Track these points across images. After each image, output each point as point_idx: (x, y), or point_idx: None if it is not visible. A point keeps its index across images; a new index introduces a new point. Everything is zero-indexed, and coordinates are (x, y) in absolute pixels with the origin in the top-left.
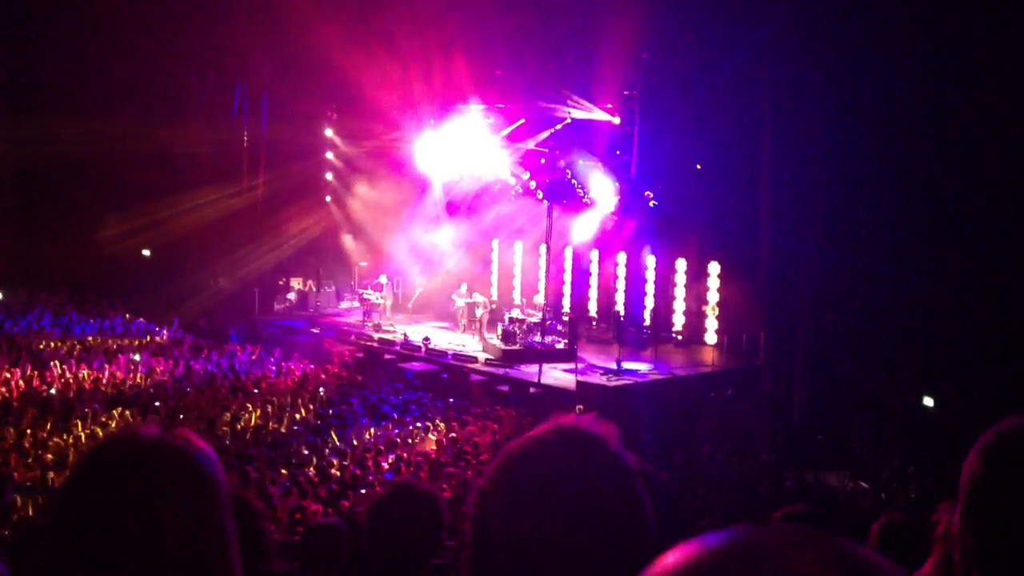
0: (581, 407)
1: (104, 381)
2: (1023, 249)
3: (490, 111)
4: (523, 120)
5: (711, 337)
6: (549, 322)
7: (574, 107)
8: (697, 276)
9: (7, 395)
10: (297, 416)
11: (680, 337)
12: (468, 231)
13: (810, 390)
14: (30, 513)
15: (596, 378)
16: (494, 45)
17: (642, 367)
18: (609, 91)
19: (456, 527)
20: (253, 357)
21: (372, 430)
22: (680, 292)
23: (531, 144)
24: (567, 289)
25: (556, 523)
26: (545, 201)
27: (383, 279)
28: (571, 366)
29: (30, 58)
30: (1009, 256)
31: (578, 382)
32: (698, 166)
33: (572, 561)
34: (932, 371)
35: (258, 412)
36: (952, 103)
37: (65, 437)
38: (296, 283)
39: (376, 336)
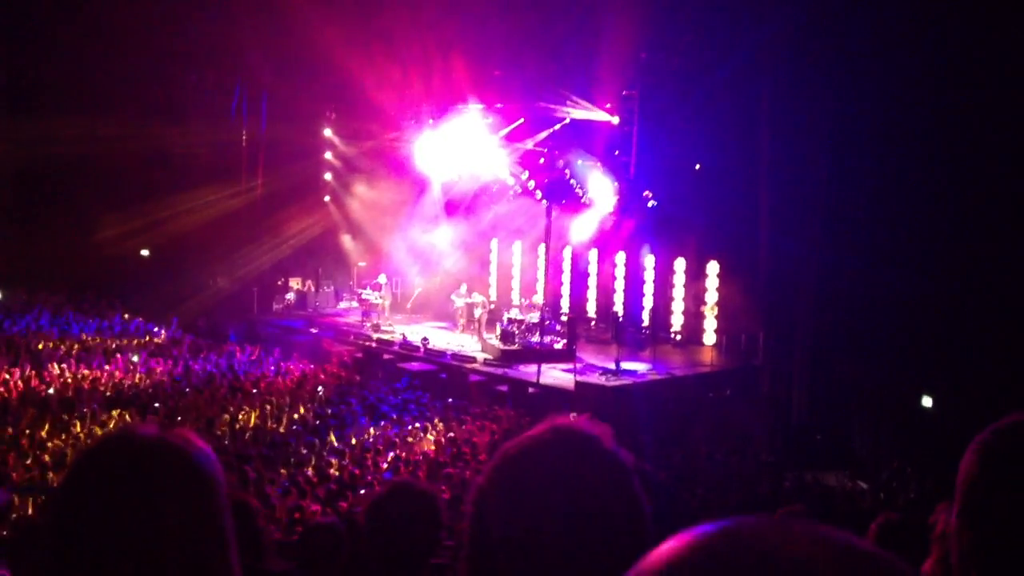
0: (575, 416)
1: (103, 381)
2: (1023, 249)
3: (489, 111)
4: (522, 120)
5: (710, 337)
6: (548, 322)
7: (573, 107)
8: (696, 276)
9: (6, 395)
10: (296, 416)
11: (679, 337)
12: (467, 231)
13: (809, 390)
14: (30, 513)
15: (595, 378)
16: (493, 45)
17: (641, 367)
18: (608, 91)
19: (455, 527)
20: (252, 357)
21: (371, 430)
22: (679, 292)
23: (530, 144)
24: (566, 289)
25: (554, 522)
26: (544, 201)
27: (382, 279)
28: (570, 366)
29: (30, 58)
30: (1009, 256)
31: (577, 382)
32: (697, 166)
33: (570, 560)
34: (931, 371)
35: (257, 412)
36: (951, 103)
37: (64, 437)
38: (295, 283)
39: (375, 336)
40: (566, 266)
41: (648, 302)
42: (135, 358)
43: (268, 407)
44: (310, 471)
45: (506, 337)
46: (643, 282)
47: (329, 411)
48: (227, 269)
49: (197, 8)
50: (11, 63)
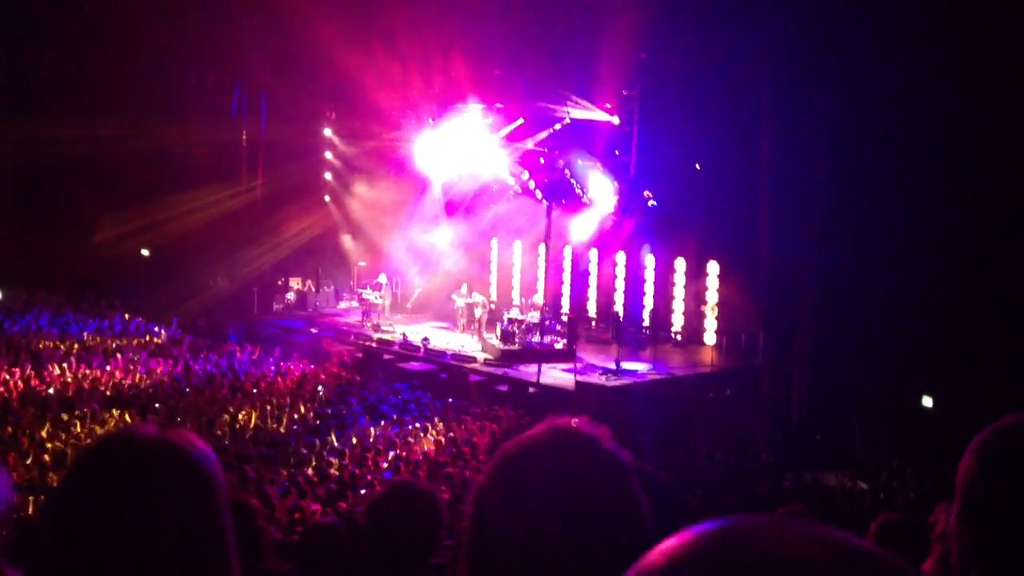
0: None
1: (103, 381)
2: (1023, 249)
3: (489, 111)
4: (522, 120)
5: (710, 337)
6: (548, 322)
7: (573, 107)
8: (696, 276)
9: (6, 395)
10: (296, 416)
11: (679, 337)
12: (467, 231)
13: (809, 390)
14: (30, 512)
15: (595, 378)
16: (493, 45)
17: (641, 367)
18: (608, 91)
19: (454, 527)
20: (253, 357)
21: (371, 430)
22: (679, 292)
23: (530, 144)
24: (566, 289)
25: (553, 521)
26: (544, 201)
27: (383, 279)
28: (570, 366)
29: (30, 58)
30: (1008, 256)
31: (577, 382)
32: (697, 166)
33: (569, 559)
34: (931, 371)
35: (257, 412)
36: (951, 103)
37: (64, 437)
38: (295, 283)
39: (375, 336)
40: (566, 266)
41: (648, 302)
42: (134, 359)
43: (268, 407)
44: (310, 471)
45: (506, 337)
46: (643, 282)
47: (329, 411)
48: (227, 269)
49: (197, 8)
50: (11, 63)
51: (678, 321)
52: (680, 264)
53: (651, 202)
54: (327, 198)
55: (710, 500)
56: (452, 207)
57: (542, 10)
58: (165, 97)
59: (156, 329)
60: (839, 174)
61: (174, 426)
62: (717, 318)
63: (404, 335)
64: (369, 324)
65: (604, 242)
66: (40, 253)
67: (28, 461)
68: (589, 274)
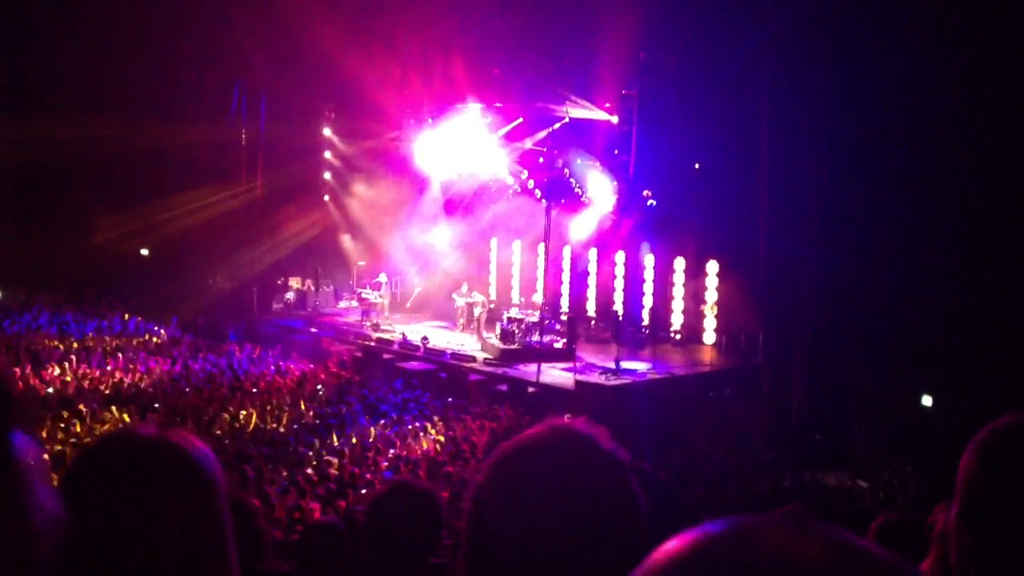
0: (570, 416)
1: (102, 380)
2: (1022, 249)
3: (488, 110)
4: (521, 119)
5: (709, 336)
6: (547, 321)
7: (572, 106)
8: (695, 275)
9: None
10: (296, 415)
11: (678, 336)
12: (466, 230)
13: (808, 389)
14: None
15: (594, 377)
16: (492, 45)
17: (640, 366)
18: (607, 90)
19: (454, 526)
20: (253, 357)
21: (371, 429)
22: (678, 291)
23: (529, 143)
24: (565, 288)
25: (551, 519)
26: (543, 200)
27: (383, 278)
28: (569, 365)
29: (30, 58)
30: (1008, 256)
31: (576, 381)
32: (696, 165)
33: (567, 557)
34: (931, 371)
35: (257, 412)
36: (951, 103)
37: (63, 437)
38: (294, 282)
39: (375, 335)
40: (565, 265)
41: (648, 301)
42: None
43: (268, 407)
44: (310, 470)
45: (506, 336)
46: (643, 281)
47: (329, 410)
48: (227, 269)
49: (197, 8)
50: (11, 62)
51: (677, 320)
52: (679, 263)
53: (650, 202)
54: (326, 198)
55: (710, 500)
56: (451, 206)
57: (541, 10)
58: (165, 97)
59: (156, 329)
60: (839, 174)
61: (173, 426)
62: (716, 317)
63: (403, 334)
64: (368, 324)
65: (603, 241)
66: (40, 253)
67: None
68: (588, 273)
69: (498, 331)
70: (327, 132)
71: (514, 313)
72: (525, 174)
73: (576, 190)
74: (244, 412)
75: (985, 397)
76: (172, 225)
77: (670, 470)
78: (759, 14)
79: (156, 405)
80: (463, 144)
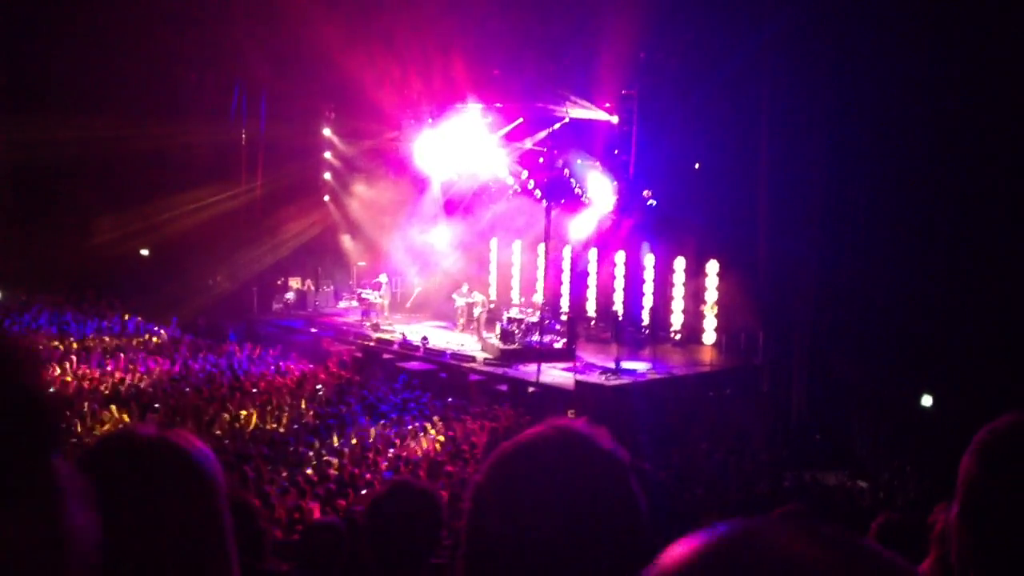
0: (572, 412)
1: (102, 380)
2: (1022, 249)
3: (488, 110)
4: (521, 119)
5: (709, 336)
6: (547, 321)
7: (572, 106)
8: (695, 275)
9: None
10: (296, 416)
11: (678, 336)
12: (466, 230)
13: (808, 389)
14: None
15: (595, 377)
16: (492, 45)
17: (640, 366)
18: (607, 91)
19: (454, 526)
20: (255, 355)
21: (371, 430)
22: (678, 291)
23: (529, 143)
24: (565, 288)
25: (550, 519)
26: (543, 200)
27: (383, 278)
28: (569, 365)
29: (30, 58)
30: (1008, 256)
31: (576, 381)
32: (696, 165)
33: (566, 557)
34: (931, 371)
35: (257, 412)
36: (951, 103)
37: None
38: (294, 283)
39: (374, 336)
40: (566, 265)
41: (648, 301)
42: (134, 358)
43: (268, 407)
44: (310, 471)
45: (506, 336)
46: (643, 281)
47: (329, 411)
48: (227, 269)
49: (197, 8)
50: (11, 62)
51: (677, 320)
52: (679, 263)
53: (650, 201)
54: (326, 198)
55: (710, 500)
56: (451, 207)
57: (541, 10)
58: (165, 97)
59: (156, 329)
60: (838, 174)
61: (173, 426)
62: (716, 317)
63: (403, 335)
64: (368, 324)
65: (603, 241)
66: (40, 253)
67: None
68: (588, 274)
69: (498, 331)
70: (327, 132)
71: (514, 313)
72: (525, 174)
73: (576, 190)
74: (244, 412)
75: (985, 397)
76: (172, 225)
77: (670, 470)
78: (759, 14)
79: (156, 405)
80: (463, 144)
